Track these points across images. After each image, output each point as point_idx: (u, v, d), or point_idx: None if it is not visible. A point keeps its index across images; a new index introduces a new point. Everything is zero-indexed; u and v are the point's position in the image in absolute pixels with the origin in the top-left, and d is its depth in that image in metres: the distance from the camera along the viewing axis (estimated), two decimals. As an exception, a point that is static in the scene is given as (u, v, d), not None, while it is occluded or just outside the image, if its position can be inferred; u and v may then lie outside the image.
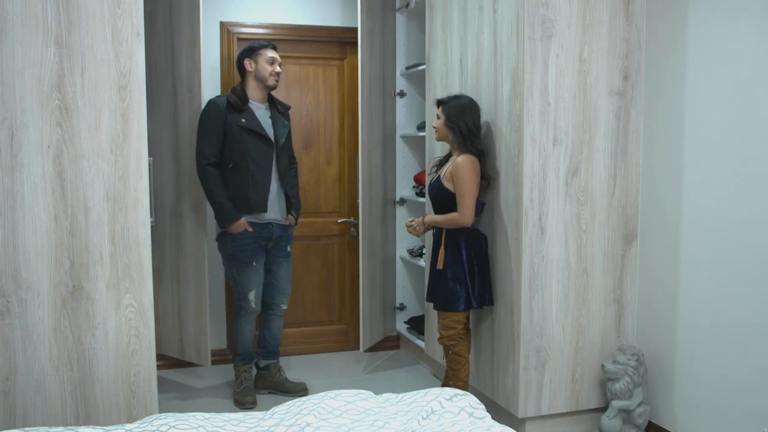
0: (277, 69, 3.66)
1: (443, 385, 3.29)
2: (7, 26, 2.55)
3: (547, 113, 3.07)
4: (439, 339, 3.26)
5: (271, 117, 3.71)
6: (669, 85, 3.09)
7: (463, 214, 3.10)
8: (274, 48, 3.70)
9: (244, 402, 3.70)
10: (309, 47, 4.46)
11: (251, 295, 3.68)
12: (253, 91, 3.67)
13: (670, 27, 3.07)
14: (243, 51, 3.68)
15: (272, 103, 3.77)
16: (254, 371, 3.94)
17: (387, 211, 4.46)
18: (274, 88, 3.70)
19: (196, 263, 3.88)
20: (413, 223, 3.35)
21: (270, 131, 3.67)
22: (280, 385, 3.88)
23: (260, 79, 3.65)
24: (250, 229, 3.62)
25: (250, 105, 3.65)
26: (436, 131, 3.26)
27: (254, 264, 3.67)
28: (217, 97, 3.69)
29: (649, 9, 3.19)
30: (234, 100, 3.58)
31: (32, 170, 2.61)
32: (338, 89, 4.56)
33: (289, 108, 3.87)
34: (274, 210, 3.70)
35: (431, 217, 3.29)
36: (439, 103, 3.25)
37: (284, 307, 3.89)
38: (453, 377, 3.22)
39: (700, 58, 2.93)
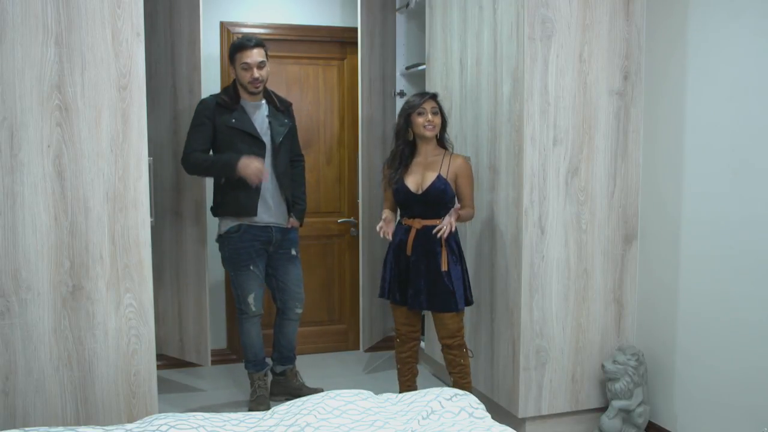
0: (255, 75, 3.41)
1: (455, 386, 3.15)
2: (7, 26, 2.55)
3: (547, 113, 3.07)
4: (453, 342, 3.08)
5: (269, 115, 3.57)
6: (669, 85, 3.09)
7: (474, 210, 3.13)
8: (260, 45, 3.45)
9: (257, 411, 3.59)
10: (309, 47, 4.46)
11: (250, 299, 3.55)
12: (244, 90, 3.49)
13: (670, 27, 3.07)
14: (229, 49, 3.54)
15: (270, 100, 3.59)
16: (270, 377, 3.79)
17: (387, 211, 4.45)
18: (255, 93, 3.49)
19: (196, 263, 3.88)
20: (444, 225, 2.97)
21: (265, 131, 3.51)
22: (297, 390, 3.71)
23: (242, 86, 3.49)
24: (264, 169, 3.39)
25: (242, 104, 3.48)
26: (435, 127, 3.07)
27: (251, 268, 3.53)
28: (208, 96, 3.57)
29: (649, 9, 3.18)
30: (223, 100, 3.45)
31: (32, 170, 2.61)
32: (338, 89, 4.56)
33: (290, 105, 3.73)
34: (270, 213, 3.52)
35: (462, 212, 3.04)
36: (434, 96, 3.11)
37: (298, 311, 3.74)
38: (462, 379, 3.12)
39: (700, 58, 2.92)
